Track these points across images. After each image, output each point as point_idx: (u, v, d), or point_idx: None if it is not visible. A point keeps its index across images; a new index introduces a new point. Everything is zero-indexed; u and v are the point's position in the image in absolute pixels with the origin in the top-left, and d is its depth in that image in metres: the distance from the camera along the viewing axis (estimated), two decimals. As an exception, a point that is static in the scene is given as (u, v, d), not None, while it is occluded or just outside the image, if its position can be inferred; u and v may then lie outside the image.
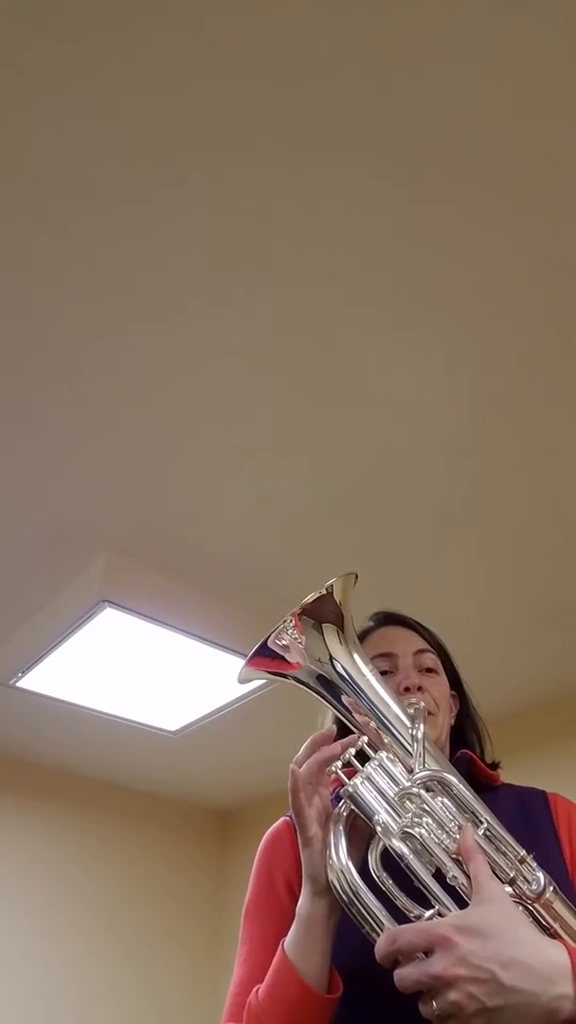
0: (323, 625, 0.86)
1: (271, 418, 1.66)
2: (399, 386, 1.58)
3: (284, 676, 0.88)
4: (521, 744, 2.59)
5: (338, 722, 0.93)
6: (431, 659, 1.01)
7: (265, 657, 0.87)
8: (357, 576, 0.90)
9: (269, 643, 0.86)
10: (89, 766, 3.40)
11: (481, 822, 0.74)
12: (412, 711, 0.84)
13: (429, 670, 0.99)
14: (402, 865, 0.69)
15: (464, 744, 1.01)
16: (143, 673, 2.39)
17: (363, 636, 1.04)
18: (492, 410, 1.63)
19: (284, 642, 0.86)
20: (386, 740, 0.82)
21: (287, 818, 0.95)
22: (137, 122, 1.13)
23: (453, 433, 1.69)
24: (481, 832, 0.73)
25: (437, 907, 0.66)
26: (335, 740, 0.82)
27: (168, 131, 1.15)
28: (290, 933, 0.77)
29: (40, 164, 1.19)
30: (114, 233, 1.29)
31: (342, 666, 0.86)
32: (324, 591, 0.86)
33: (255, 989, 0.77)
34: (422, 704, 0.87)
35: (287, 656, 0.86)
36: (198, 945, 3.57)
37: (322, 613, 0.86)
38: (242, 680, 0.89)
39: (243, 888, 0.97)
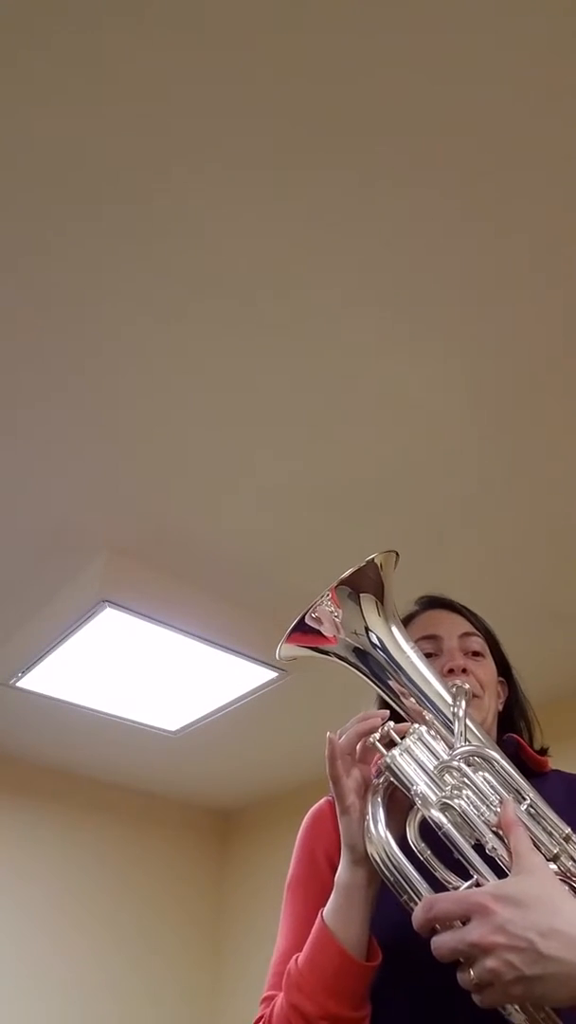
0: (361, 595, 0.85)
1: (271, 418, 1.66)
2: (400, 386, 1.58)
3: (322, 651, 0.87)
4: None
5: (382, 704, 0.92)
6: (478, 643, 0.99)
7: (301, 632, 0.86)
8: (398, 555, 0.89)
9: (305, 618, 0.85)
10: (89, 766, 3.40)
11: (524, 798, 0.74)
12: (454, 690, 0.83)
13: (475, 653, 0.97)
14: (440, 835, 0.69)
15: (512, 731, 0.99)
16: (143, 673, 2.39)
17: (408, 620, 1.03)
18: (493, 410, 1.63)
19: (320, 616, 0.85)
20: (427, 718, 0.81)
21: (329, 797, 0.94)
22: (136, 121, 1.13)
23: (454, 433, 1.69)
24: (524, 808, 0.72)
25: (476, 877, 0.66)
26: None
27: (169, 130, 1.15)
28: (329, 902, 0.77)
29: (39, 163, 1.19)
30: (113, 234, 1.29)
31: (378, 637, 0.84)
32: (364, 563, 0.85)
33: (294, 957, 0.78)
34: (467, 686, 0.85)
35: (323, 630, 0.85)
36: (198, 945, 3.57)
37: (361, 583, 0.85)
38: (282, 657, 0.88)
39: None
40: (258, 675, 2.37)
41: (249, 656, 2.26)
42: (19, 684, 2.40)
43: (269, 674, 2.36)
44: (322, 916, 0.77)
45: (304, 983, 0.74)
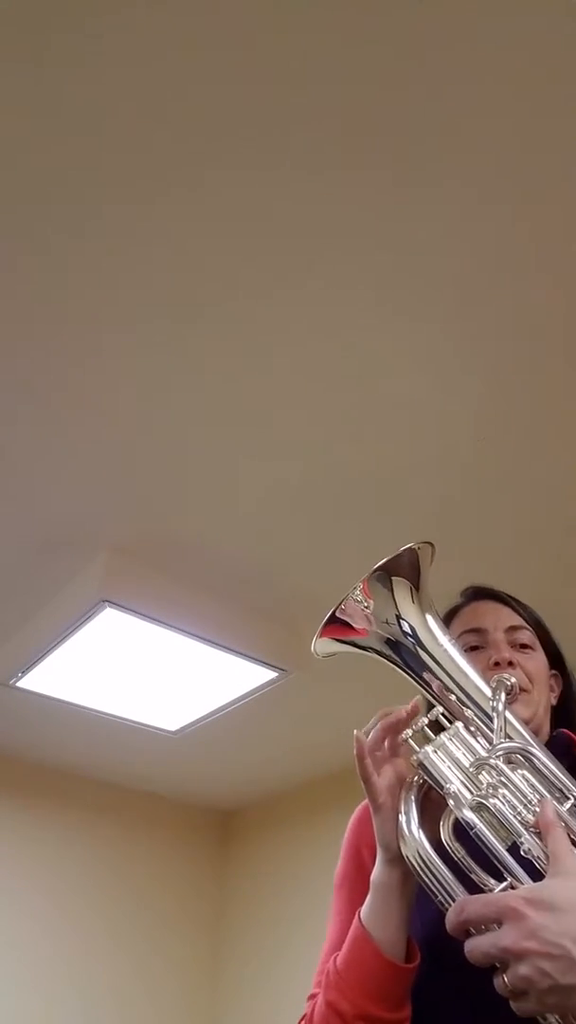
0: (393, 579, 0.82)
1: (272, 418, 1.66)
2: (400, 386, 1.58)
3: (354, 644, 0.84)
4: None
5: (426, 703, 0.88)
6: (526, 635, 0.95)
7: (334, 626, 0.83)
8: (435, 548, 0.86)
9: (337, 613, 0.82)
10: (89, 766, 3.40)
11: (568, 798, 0.70)
12: (494, 684, 0.80)
13: (524, 646, 0.94)
14: (471, 835, 0.66)
15: (568, 727, 0.94)
16: (143, 673, 2.39)
17: (453, 613, 1.00)
18: (493, 410, 1.63)
19: (351, 609, 0.82)
20: (467, 714, 0.78)
21: None
22: (142, 118, 1.13)
23: (454, 433, 1.69)
24: (567, 808, 0.69)
25: (509, 879, 0.64)
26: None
27: (171, 129, 1.15)
28: (366, 902, 0.76)
29: (43, 156, 1.19)
30: (115, 232, 1.29)
31: (409, 626, 0.81)
32: (400, 551, 0.82)
33: (333, 957, 0.77)
34: (512, 680, 0.82)
35: (353, 623, 0.82)
36: (198, 945, 3.57)
37: (394, 569, 0.82)
38: (320, 654, 0.85)
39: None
40: (258, 675, 2.37)
41: (249, 656, 2.26)
42: (19, 684, 2.40)
43: (269, 674, 2.36)
44: (359, 916, 0.76)
45: (341, 983, 0.73)
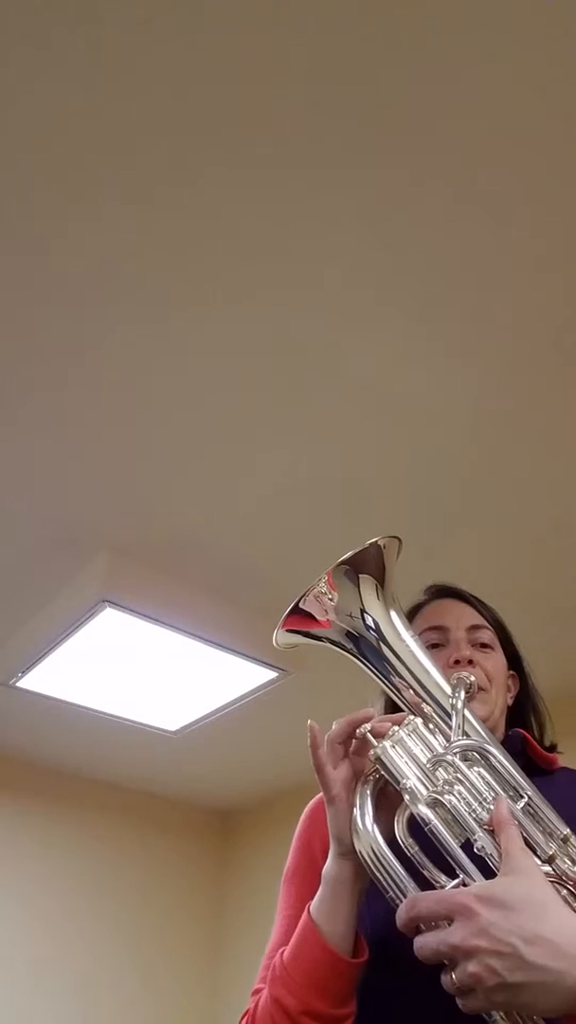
0: (360, 576, 0.81)
1: (271, 418, 1.66)
2: (400, 386, 1.59)
3: (316, 637, 0.83)
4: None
5: (385, 696, 0.88)
6: (487, 635, 0.96)
7: (296, 616, 0.82)
8: (401, 541, 0.85)
9: (300, 603, 0.82)
10: (89, 766, 3.40)
11: (522, 796, 0.70)
12: (455, 681, 0.80)
13: (484, 645, 0.94)
14: (426, 831, 0.66)
15: (522, 726, 0.96)
16: (143, 673, 2.40)
17: (416, 609, 1.00)
18: (493, 410, 1.63)
19: (314, 600, 0.82)
20: (426, 710, 0.78)
21: None
22: (141, 118, 1.13)
23: (454, 433, 1.69)
24: (520, 806, 0.69)
25: (462, 876, 0.64)
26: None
27: (170, 128, 1.15)
28: (316, 896, 0.75)
29: (39, 157, 1.19)
30: (114, 231, 1.29)
31: (373, 620, 0.81)
32: (366, 545, 0.81)
33: (280, 951, 0.76)
34: (472, 678, 0.82)
35: (316, 614, 0.82)
36: (198, 945, 3.57)
37: (361, 565, 0.81)
38: (281, 645, 0.85)
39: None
40: (258, 675, 2.38)
41: (249, 656, 2.26)
42: (19, 684, 2.40)
43: (269, 674, 2.36)
44: (308, 910, 0.75)
45: (287, 977, 0.72)
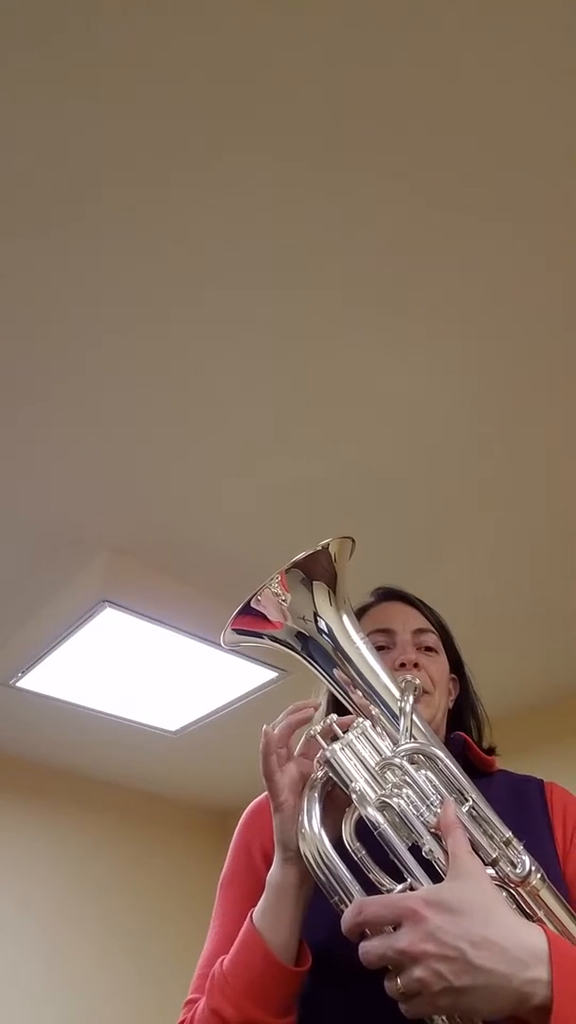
0: (313, 582, 0.81)
1: (271, 418, 1.66)
2: (400, 386, 1.59)
3: (264, 636, 0.83)
4: (520, 745, 2.59)
5: (332, 697, 0.88)
6: (432, 639, 0.97)
7: (247, 616, 0.82)
8: (354, 541, 0.85)
9: (252, 603, 0.81)
10: (89, 766, 3.40)
11: (467, 800, 0.70)
12: (403, 684, 0.80)
13: (428, 649, 0.95)
14: (375, 835, 0.65)
15: (462, 729, 0.97)
16: (143, 673, 2.40)
17: (363, 611, 1.00)
18: (493, 410, 1.63)
19: (267, 601, 0.81)
20: (374, 712, 0.78)
21: None
22: (136, 116, 1.13)
23: (453, 433, 1.70)
24: (465, 810, 0.69)
25: (410, 880, 0.63)
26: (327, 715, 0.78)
27: (169, 128, 1.15)
28: (260, 902, 0.74)
29: (32, 161, 1.19)
30: (112, 232, 1.29)
31: (326, 624, 0.81)
32: (319, 548, 0.81)
33: (220, 959, 0.74)
34: (417, 681, 0.83)
35: (268, 615, 0.81)
36: (198, 945, 3.56)
37: (313, 570, 0.81)
38: (227, 644, 0.85)
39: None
40: (258, 675, 2.38)
41: (249, 656, 2.26)
42: (19, 684, 2.41)
43: (269, 674, 2.36)
44: (251, 916, 0.73)
45: (227, 986, 0.70)
